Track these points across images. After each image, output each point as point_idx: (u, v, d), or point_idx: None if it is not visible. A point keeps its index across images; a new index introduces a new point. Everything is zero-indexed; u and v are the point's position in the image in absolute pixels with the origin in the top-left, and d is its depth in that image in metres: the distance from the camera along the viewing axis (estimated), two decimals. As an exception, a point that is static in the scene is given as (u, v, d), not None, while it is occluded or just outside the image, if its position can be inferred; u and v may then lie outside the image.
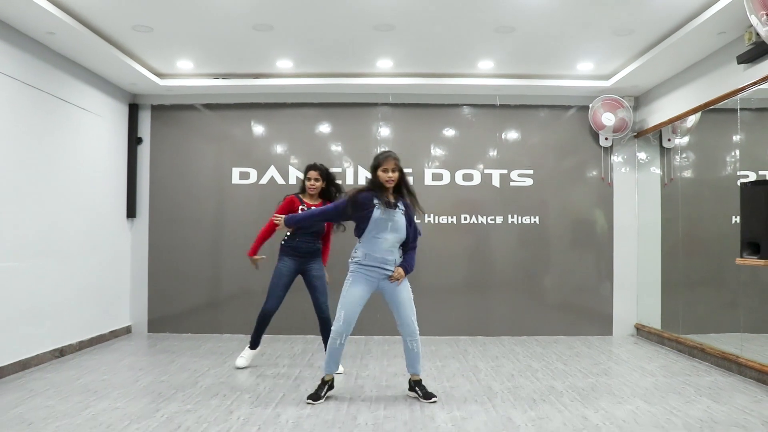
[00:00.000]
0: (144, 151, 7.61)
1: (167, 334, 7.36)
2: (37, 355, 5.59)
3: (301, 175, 7.36)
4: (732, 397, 4.58)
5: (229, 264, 7.50)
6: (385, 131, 7.56)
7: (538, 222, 7.52)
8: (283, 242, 5.62)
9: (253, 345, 5.72)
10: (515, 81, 7.12)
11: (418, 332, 4.55)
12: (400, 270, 4.46)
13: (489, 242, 7.48)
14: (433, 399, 4.44)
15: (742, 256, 4.12)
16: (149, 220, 7.57)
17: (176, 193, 7.57)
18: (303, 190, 5.67)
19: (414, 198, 4.63)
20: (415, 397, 4.53)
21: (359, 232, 4.53)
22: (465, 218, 7.47)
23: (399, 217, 4.48)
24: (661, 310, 7.20)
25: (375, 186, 4.52)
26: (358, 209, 4.46)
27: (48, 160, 5.84)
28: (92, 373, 5.28)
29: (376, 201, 4.46)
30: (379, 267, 4.45)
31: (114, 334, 7.05)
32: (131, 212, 7.49)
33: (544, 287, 7.50)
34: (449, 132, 7.60)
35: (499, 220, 7.50)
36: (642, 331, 7.27)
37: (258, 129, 7.61)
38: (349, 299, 4.47)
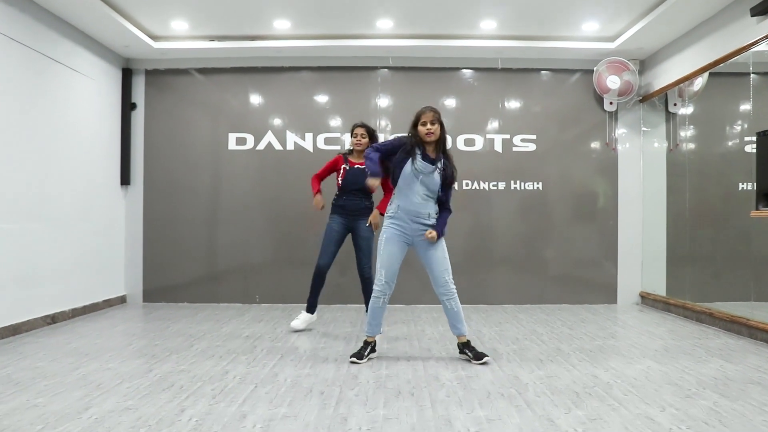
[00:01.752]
0: (138, 117, 7.41)
1: (163, 303, 7.21)
2: (29, 320, 5.44)
3: (301, 141, 7.31)
4: (744, 357, 4.44)
5: (226, 232, 7.33)
6: (384, 95, 7.37)
7: (541, 188, 7.35)
8: (333, 201, 5.65)
9: (310, 308, 5.63)
10: (518, 43, 6.92)
11: (455, 289, 4.37)
12: (432, 233, 4.29)
13: (491, 208, 7.32)
14: (485, 359, 4.27)
15: (757, 209, 3.95)
16: (144, 187, 7.39)
17: (171, 159, 7.38)
18: (351, 150, 5.73)
19: (448, 158, 4.47)
20: (466, 359, 4.37)
21: (393, 181, 4.42)
22: (467, 184, 7.30)
23: (434, 174, 4.32)
24: (666, 278, 7.07)
25: (414, 142, 4.39)
26: (399, 151, 4.37)
27: (38, 120, 5.65)
28: (84, 338, 5.13)
29: (418, 151, 4.34)
30: (412, 221, 4.32)
31: (108, 303, 6.90)
32: (125, 179, 7.30)
33: (546, 254, 7.34)
34: (450, 96, 7.40)
35: (501, 186, 7.33)
36: (647, 299, 7.13)
37: (254, 94, 7.41)
38: (386, 257, 4.35)
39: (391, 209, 4.40)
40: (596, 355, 4.50)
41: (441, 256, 4.33)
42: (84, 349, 4.67)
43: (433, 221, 4.34)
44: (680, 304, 6.37)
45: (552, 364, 4.23)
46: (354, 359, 4.29)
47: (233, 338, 5.16)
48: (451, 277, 4.36)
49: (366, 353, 4.36)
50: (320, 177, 5.68)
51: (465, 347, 4.39)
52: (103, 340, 5.08)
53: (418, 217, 4.31)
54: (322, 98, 7.39)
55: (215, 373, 3.95)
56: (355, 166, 5.54)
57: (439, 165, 4.35)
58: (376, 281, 4.40)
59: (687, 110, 6.89)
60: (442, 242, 4.36)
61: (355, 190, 5.50)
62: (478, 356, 4.29)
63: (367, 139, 5.58)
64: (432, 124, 4.32)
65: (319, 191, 5.62)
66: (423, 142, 4.36)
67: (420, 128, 4.34)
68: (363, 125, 5.63)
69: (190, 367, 4.11)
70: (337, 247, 5.57)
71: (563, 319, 6.14)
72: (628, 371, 4.02)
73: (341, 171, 5.57)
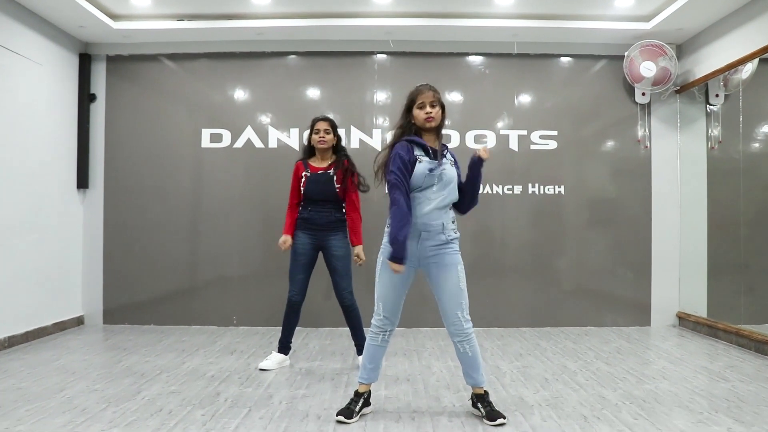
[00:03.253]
0: (98, 110, 6.41)
1: (126, 326, 6.21)
2: (-53, 354, 4.46)
3: (286, 138, 6.31)
4: None
5: (200, 243, 6.34)
6: (382, 85, 6.38)
7: (563, 192, 6.35)
8: (297, 214, 4.55)
9: (282, 348, 4.59)
10: (537, 23, 5.94)
11: (471, 330, 3.35)
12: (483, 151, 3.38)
13: (505, 216, 6.32)
14: (500, 421, 3.23)
15: None
16: (104, 191, 6.38)
17: (136, 159, 6.37)
18: (309, 152, 4.61)
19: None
20: (478, 416, 3.37)
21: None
22: (477, 188, 6.31)
23: (449, 169, 3.34)
24: (707, 296, 6.11)
25: (406, 130, 3.40)
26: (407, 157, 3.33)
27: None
28: (9, 379, 4.12)
29: (417, 153, 3.32)
30: (420, 238, 3.30)
31: (59, 327, 5.89)
32: (83, 182, 6.30)
33: (569, 269, 6.35)
34: (458, 86, 6.41)
35: (517, 190, 6.33)
36: (687, 321, 6.14)
37: (232, 84, 6.40)
38: (386, 286, 3.35)
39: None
40: (654, 409, 3.50)
41: (455, 285, 3.31)
42: (-1, 398, 3.68)
43: (449, 235, 3.33)
44: (732, 329, 5.38)
45: (600, 424, 3.23)
46: (341, 419, 3.28)
47: (194, 379, 4.16)
48: (466, 313, 3.34)
49: (357, 409, 3.35)
50: (296, 204, 4.57)
51: (479, 401, 3.37)
52: (29, 383, 4.05)
53: (429, 231, 3.29)
54: (309, 88, 6.39)
55: (155, 443, 2.96)
56: (319, 172, 4.50)
57: (448, 156, 3.40)
58: (374, 315, 3.41)
59: (732, 102, 5.94)
60: (458, 269, 3.33)
61: (322, 200, 4.46)
62: (492, 416, 3.26)
63: (331, 135, 4.53)
64: (432, 106, 3.34)
65: (290, 226, 4.54)
66: (420, 131, 3.39)
67: (417, 112, 3.36)
68: (326, 119, 4.58)
69: (125, 431, 3.11)
70: (307, 273, 4.55)
71: (595, 349, 5.16)
72: (705, 438, 3.03)
73: (302, 179, 4.50)
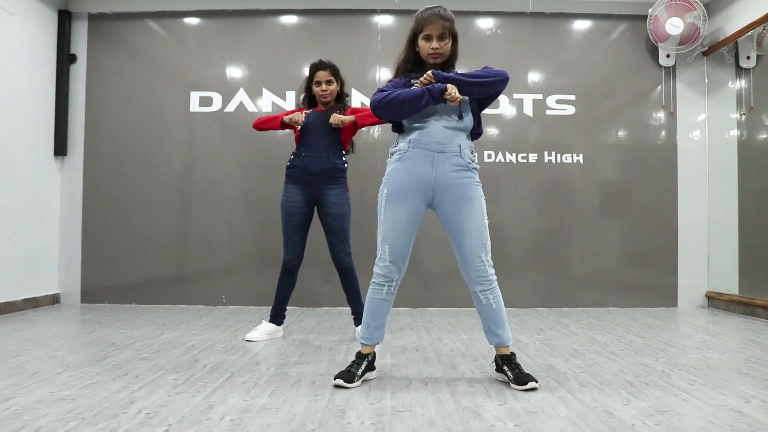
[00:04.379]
0: (79, 72, 5.88)
1: (105, 305, 5.67)
2: None
3: (281, 101, 5.81)
4: None
5: (188, 215, 5.80)
6: (386, 47, 5.88)
7: (581, 161, 5.84)
8: (288, 163, 3.97)
9: (275, 317, 4.02)
10: (556, -25, 5.46)
11: (495, 277, 2.86)
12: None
13: (519, 186, 5.80)
14: (532, 384, 2.69)
15: None
16: (84, 159, 5.84)
17: (119, 123, 5.85)
18: (309, 101, 4.07)
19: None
20: (504, 381, 2.83)
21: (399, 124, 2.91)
22: (489, 156, 5.79)
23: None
24: (738, 275, 5.59)
25: (407, 65, 2.90)
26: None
27: None
28: (-42, 347, 3.60)
29: (413, 81, 2.81)
30: (434, 158, 2.77)
31: (31, 304, 5.35)
32: (60, 149, 5.77)
33: (587, 246, 5.82)
34: (469, 47, 5.86)
35: (532, 158, 5.81)
36: (718, 301, 5.61)
37: (222, 43, 5.89)
38: (390, 225, 2.80)
39: (399, 147, 2.86)
40: (709, 376, 2.97)
41: (479, 222, 2.79)
42: (-59, 364, 3.14)
43: (468, 160, 2.82)
44: (775, 305, 4.86)
45: (652, 389, 2.69)
46: (341, 382, 2.73)
47: (171, 348, 3.62)
48: (489, 257, 2.83)
49: (360, 372, 2.81)
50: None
51: (505, 363, 2.83)
52: (-18, 350, 3.54)
53: (444, 153, 2.76)
54: (306, 49, 5.86)
55: (111, 404, 2.41)
56: (320, 111, 3.97)
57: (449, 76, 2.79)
58: (377, 261, 2.88)
59: (766, 64, 5.45)
60: (481, 203, 2.83)
61: (320, 140, 3.87)
62: (521, 379, 2.71)
63: (335, 85, 3.97)
64: (441, 39, 2.80)
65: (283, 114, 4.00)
66: (424, 63, 2.87)
67: (422, 44, 2.82)
68: (326, 67, 3.97)
69: (78, 393, 2.56)
70: (303, 234, 4.00)
71: (623, 325, 4.63)
72: (783, 402, 2.50)
73: (302, 119, 3.88)
